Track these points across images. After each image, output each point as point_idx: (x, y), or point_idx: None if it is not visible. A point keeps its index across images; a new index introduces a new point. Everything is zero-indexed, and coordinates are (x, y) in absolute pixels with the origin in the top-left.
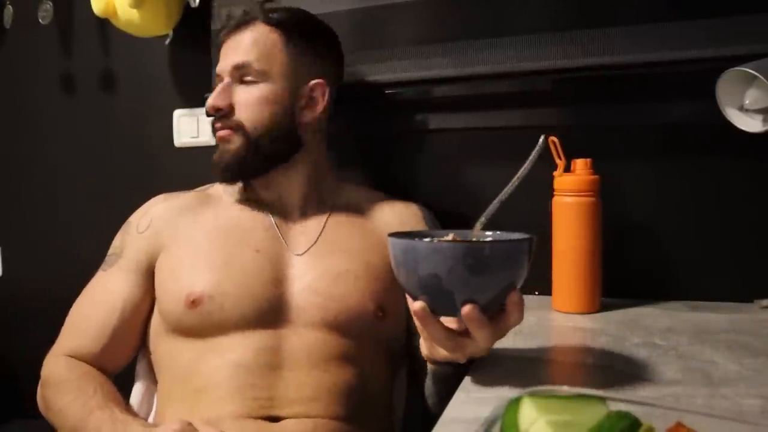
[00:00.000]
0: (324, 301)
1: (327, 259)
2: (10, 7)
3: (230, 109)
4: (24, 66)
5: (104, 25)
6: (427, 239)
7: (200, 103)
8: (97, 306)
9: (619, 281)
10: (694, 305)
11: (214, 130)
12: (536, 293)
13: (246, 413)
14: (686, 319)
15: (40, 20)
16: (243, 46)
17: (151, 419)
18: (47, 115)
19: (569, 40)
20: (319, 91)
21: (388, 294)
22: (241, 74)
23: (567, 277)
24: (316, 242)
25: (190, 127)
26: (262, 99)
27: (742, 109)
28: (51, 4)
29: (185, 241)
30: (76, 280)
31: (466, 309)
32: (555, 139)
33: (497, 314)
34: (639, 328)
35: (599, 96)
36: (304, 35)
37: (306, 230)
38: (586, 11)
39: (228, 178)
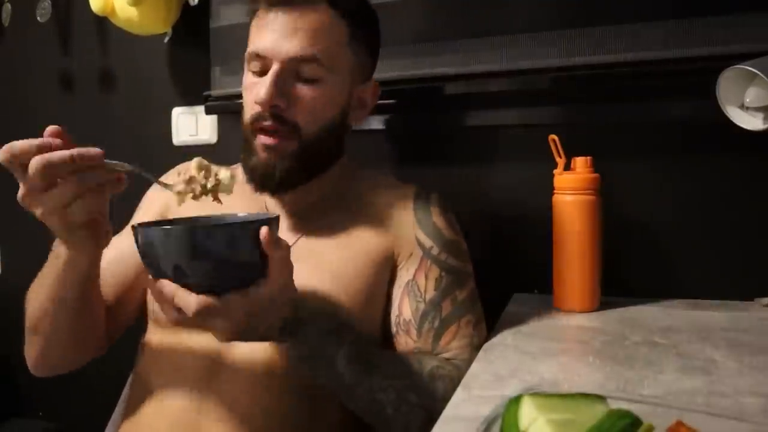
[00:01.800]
0: None
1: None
2: (8, 5)
3: (286, 108)
4: (22, 64)
5: (103, 23)
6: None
7: (199, 101)
8: (108, 251)
9: (619, 279)
10: (694, 303)
11: (258, 129)
12: (535, 291)
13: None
14: (686, 317)
15: (38, 18)
16: (307, 32)
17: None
18: (46, 113)
19: (569, 38)
20: (370, 94)
21: (358, 308)
22: (301, 67)
23: (567, 275)
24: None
25: (189, 125)
26: (326, 101)
27: (742, 107)
28: (49, 2)
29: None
30: None
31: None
32: (555, 137)
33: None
34: (639, 327)
35: (600, 94)
36: (368, 29)
37: (289, 232)
38: (586, 10)
39: (281, 190)
